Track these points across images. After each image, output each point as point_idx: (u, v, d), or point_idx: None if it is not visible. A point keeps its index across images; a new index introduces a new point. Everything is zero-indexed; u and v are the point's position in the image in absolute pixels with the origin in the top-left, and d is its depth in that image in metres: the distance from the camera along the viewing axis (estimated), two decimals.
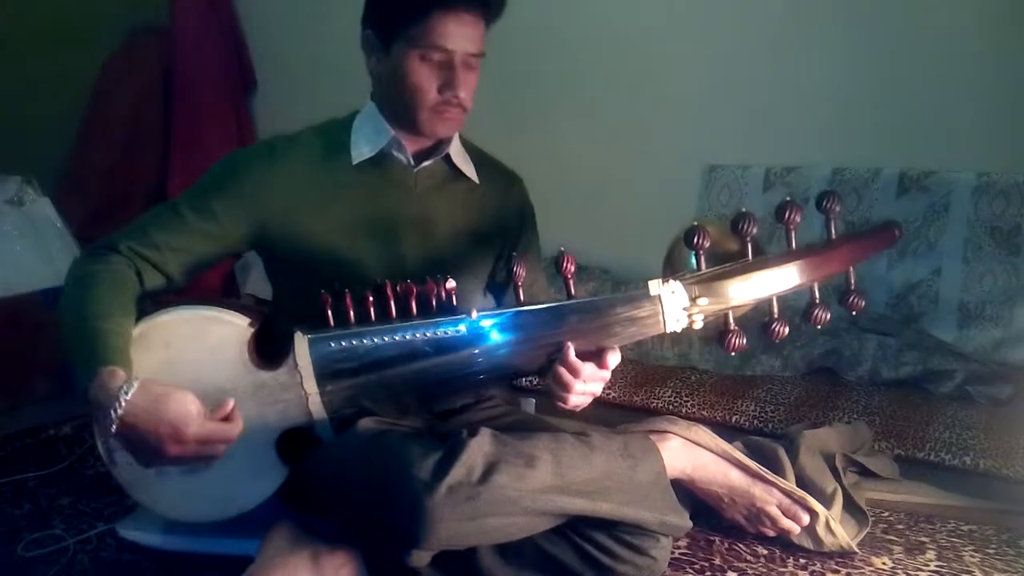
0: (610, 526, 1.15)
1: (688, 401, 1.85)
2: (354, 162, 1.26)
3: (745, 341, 1.13)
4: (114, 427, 1.01)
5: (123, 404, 1.00)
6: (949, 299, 2.03)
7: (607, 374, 1.14)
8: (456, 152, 1.31)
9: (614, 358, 1.13)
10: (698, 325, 1.13)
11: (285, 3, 3.03)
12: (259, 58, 3.14)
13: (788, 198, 1.12)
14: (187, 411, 1.02)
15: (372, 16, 1.24)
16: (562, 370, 1.12)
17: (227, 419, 1.06)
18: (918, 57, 2.10)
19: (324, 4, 2.89)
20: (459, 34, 1.18)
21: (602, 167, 2.54)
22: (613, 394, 1.88)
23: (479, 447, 1.08)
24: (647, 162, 2.47)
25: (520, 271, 1.12)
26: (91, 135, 3.05)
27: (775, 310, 1.14)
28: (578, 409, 1.17)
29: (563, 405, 1.16)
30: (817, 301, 1.13)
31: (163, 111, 3.06)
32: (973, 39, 2.03)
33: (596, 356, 1.13)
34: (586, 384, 1.13)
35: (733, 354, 1.16)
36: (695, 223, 1.11)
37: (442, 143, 1.28)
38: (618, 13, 2.45)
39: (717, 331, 1.15)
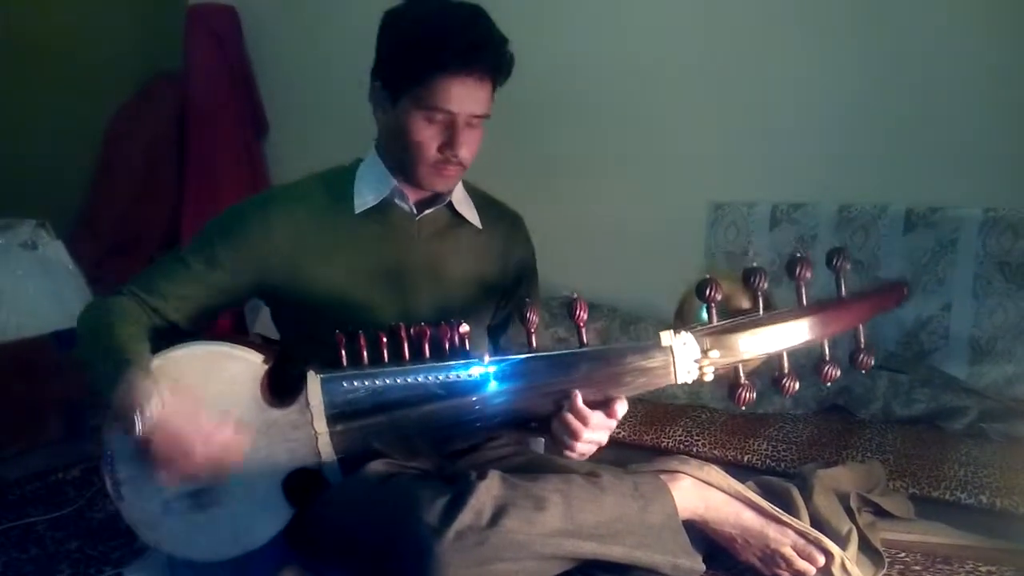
0: (622, 570, 1.13)
1: (699, 440, 1.83)
2: (357, 211, 1.27)
3: (755, 395, 1.15)
4: (141, 425, 1.01)
5: (155, 404, 1.01)
6: (960, 335, 2.01)
7: (614, 423, 1.15)
8: (459, 199, 1.32)
9: (622, 407, 1.14)
10: (708, 378, 1.15)
11: (297, 48, 3.08)
12: (271, 103, 3.18)
13: (798, 254, 1.13)
14: (216, 420, 1.06)
15: (381, 70, 1.25)
16: (570, 417, 1.12)
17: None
18: (923, 94, 2.12)
19: (336, 49, 2.94)
20: (464, 96, 1.18)
21: (608, 205, 2.55)
22: (623, 433, 1.87)
23: (488, 490, 1.07)
24: (654, 200, 2.48)
25: (533, 317, 1.13)
26: (105, 179, 3.09)
27: (785, 365, 1.15)
28: (583, 458, 1.17)
29: (570, 453, 1.15)
30: (827, 358, 1.15)
31: (176, 155, 3.09)
32: (978, 75, 2.05)
33: (604, 405, 1.13)
34: (593, 432, 1.13)
35: (743, 408, 1.17)
36: (707, 276, 1.12)
37: (444, 192, 1.30)
38: (624, 53, 2.48)
39: (728, 384, 1.16)
